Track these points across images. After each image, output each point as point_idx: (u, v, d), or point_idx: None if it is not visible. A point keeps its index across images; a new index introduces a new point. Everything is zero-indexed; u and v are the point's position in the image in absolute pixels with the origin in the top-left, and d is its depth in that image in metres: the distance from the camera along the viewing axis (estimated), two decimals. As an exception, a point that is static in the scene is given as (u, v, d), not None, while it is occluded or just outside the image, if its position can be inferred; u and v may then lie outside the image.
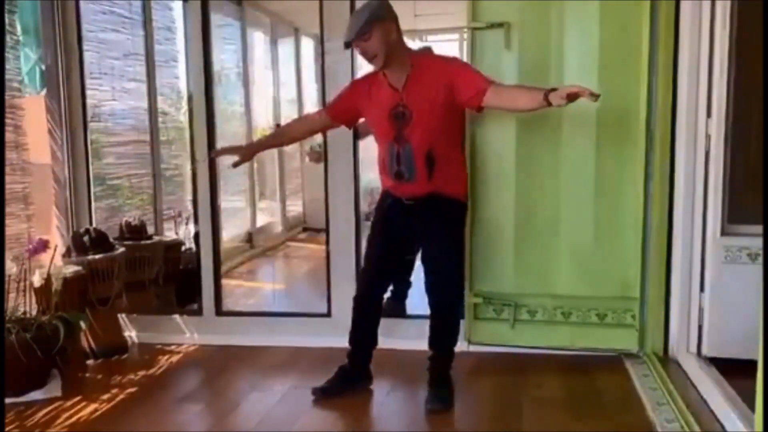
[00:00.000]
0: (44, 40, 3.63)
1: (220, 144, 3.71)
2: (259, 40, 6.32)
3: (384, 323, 3.55)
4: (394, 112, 2.72)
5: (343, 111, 2.92)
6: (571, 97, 2.44)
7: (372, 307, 2.99)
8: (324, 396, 2.91)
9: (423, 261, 2.93)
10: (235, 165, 2.93)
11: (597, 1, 3.12)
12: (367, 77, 2.90)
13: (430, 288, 2.90)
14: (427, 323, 2.97)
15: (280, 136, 3.37)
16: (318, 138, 3.80)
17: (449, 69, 2.72)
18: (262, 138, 3.22)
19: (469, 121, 3.25)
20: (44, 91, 3.67)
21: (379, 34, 2.63)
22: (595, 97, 2.44)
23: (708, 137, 3.01)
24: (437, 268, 2.87)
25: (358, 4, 3.37)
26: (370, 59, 2.70)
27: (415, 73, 2.71)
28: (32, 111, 3.65)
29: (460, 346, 3.38)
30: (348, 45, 2.69)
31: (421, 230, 2.85)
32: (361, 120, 3.01)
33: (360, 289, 3.03)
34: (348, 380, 2.98)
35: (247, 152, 3.03)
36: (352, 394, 2.95)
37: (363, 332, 2.99)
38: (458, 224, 2.89)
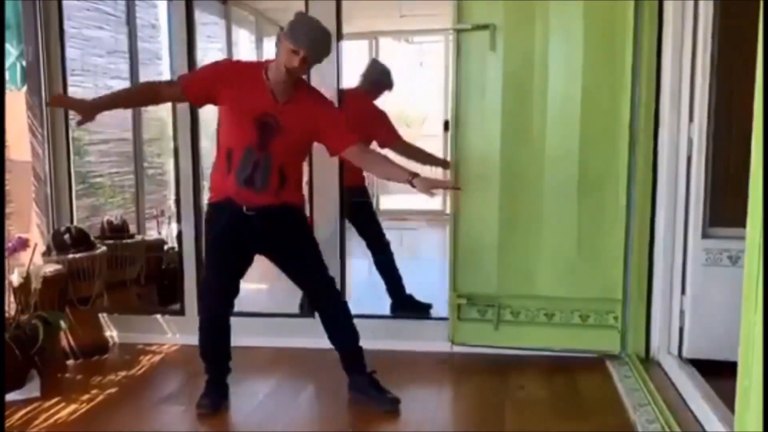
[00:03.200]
0: (25, 35, 3.58)
1: (203, 145, 3.68)
2: (244, 38, 6.29)
3: (367, 324, 3.56)
4: (264, 118, 2.64)
5: (201, 87, 2.72)
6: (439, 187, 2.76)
7: (226, 329, 2.89)
8: (213, 409, 2.82)
9: (293, 273, 2.87)
10: (80, 123, 2.66)
11: (582, 1, 3.14)
12: (244, 67, 2.81)
13: (317, 297, 2.89)
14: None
15: (124, 99, 3.00)
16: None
17: (325, 112, 2.77)
18: (105, 97, 2.85)
19: (453, 124, 3.27)
20: (25, 88, 3.62)
21: (315, 65, 2.71)
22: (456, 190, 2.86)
23: (690, 141, 3.04)
24: (315, 275, 2.84)
25: (345, 6, 3.39)
26: (294, 71, 2.60)
27: (298, 95, 2.70)
28: (12, 107, 3.59)
29: (444, 346, 3.41)
30: (309, 52, 2.57)
31: (275, 243, 2.78)
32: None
33: (209, 311, 2.87)
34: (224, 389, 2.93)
35: (91, 111, 2.63)
36: (334, 395, 2.94)
37: (222, 353, 2.92)
38: (310, 230, 2.93)
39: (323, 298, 2.88)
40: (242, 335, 3.54)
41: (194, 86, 2.74)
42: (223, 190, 2.72)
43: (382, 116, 4.04)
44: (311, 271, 2.84)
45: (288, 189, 2.74)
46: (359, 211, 3.94)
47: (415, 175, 2.64)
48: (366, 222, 4.03)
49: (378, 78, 4.06)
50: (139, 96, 2.99)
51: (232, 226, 2.72)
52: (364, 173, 3.91)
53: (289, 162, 2.73)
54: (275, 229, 2.75)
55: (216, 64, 2.85)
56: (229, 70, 2.77)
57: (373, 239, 4.04)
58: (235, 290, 2.85)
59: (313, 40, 2.59)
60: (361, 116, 3.63)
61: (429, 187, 2.63)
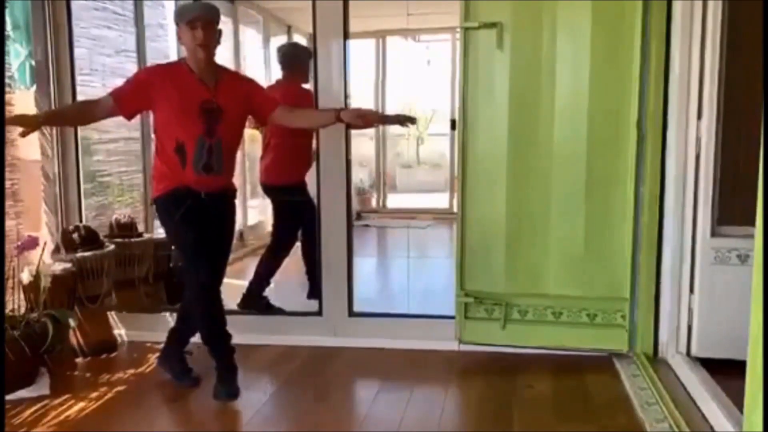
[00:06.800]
0: (35, 35, 3.60)
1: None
2: (251, 38, 6.31)
3: (373, 322, 3.57)
4: (205, 106, 2.78)
5: (133, 99, 2.82)
6: (366, 121, 3.00)
7: (221, 306, 2.93)
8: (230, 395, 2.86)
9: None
10: (24, 135, 2.73)
11: (589, 1, 3.13)
12: (165, 67, 3.00)
13: (216, 278, 2.94)
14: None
15: (66, 118, 3.24)
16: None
17: (249, 83, 3.02)
18: (50, 112, 3.17)
19: (460, 122, 3.27)
20: (34, 87, 3.64)
21: (217, 31, 2.82)
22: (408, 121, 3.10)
23: (698, 139, 3.02)
24: (223, 260, 2.97)
25: (352, 4, 3.40)
26: (202, 44, 2.74)
27: (223, 77, 2.88)
28: (22, 107, 3.61)
29: (451, 345, 3.41)
30: (200, 18, 2.72)
31: (215, 223, 2.89)
32: None
33: (203, 297, 2.89)
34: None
35: (36, 124, 2.80)
36: (340, 394, 2.95)
37: (224, 330, 2.92)
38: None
39: (216, 281, 2.94)
40: (249, 333, 3.57)
41: (126, 99, 2.83)
42: (179, 180, 2.81)
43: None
44: (222, 256, 2.96)
45: (232, 171, 2.93)
46: (303, 211, 3.84)
47: (341, 109, 2.94)
48: (311, 222, 3.73)
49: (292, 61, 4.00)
50: (76, 114, 3.10)
51: (193, 210, 2.81)
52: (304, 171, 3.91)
53: (234, 143, 2.92)
54: (221, 211, 2.91)
55: (138, 74, 2.98)
56: (154, 75, 2.89)
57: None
58: (215, 265, 2.92)
59: (198, 6, 2.79)
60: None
61: (355, 115, 2.89)
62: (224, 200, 2.95)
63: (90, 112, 2.93)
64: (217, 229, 2.90)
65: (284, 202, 3.95)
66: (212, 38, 2.79)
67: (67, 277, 3.31)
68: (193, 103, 2.77)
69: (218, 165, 2.82)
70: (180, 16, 2.78)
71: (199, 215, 2.82)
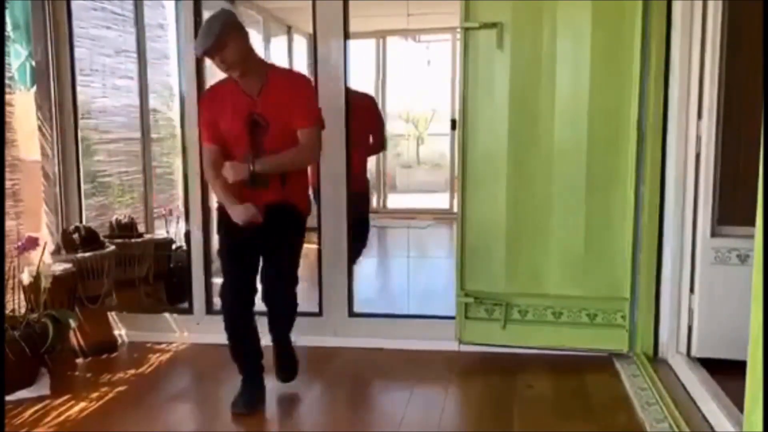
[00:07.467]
0: (35, 36, 3.61)
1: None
2: (251, 38, 6.31)
3: (374, 323, 3.57)
4: (250, 119, 2.68)
5: (216, 132, 2.74)
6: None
7: (249, 327, 2.84)
8: (248, 410, 2.78)
9: (267, 269, 2.84)
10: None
11: (589, 1, 3.13)
12: (216, 88, 2.85)
13: (278, 295, 2.88)
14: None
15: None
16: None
17: (293, 89, 2.75)
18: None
19: (460, 122, 3.27)
20: (34, 88, 3.64)
21: (236, 43, 2.63)
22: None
23: (699, 139, 3.02)
24: (282, 278, 2.86)
25: (352, 5, 3.40)
26: (227, 69, 2.65)
27: (270, 83, 2.71)
28: (22, 107, 3.62)
29: (452, 345, 3.41)
30: (205, 54, 2.62)
31: (269, 239, 2.78)
32: None
33: (229, 312, 2.82)
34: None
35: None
36: (341, 394, 2.95)
37: (249, 352, 2.86)
38: (302, 236, 2.90)
39: (280, 300, 2.90)
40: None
41: (215, 140, 2.74)
42: (230, 193, 2.74)
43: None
44: (279, 276, 2.86)
45: (291, 187, 2.77)
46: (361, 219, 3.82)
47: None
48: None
49: None
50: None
51: (240, 226, 2.72)
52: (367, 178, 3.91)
53: None
54: (276, 226, 2.75)
55: (200, 116, 2.85)
56: (210, 102, 2.81)
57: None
58: (253, 288, 2.84)
59: (199, 41, 2.61)
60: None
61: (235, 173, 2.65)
62: (281, 214, 2.75)
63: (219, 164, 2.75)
64: (271, 242, 2.78)
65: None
66: (235, 54, 2.62)
67: (68, 278, 3.31)
68: (240, 116, 2.66)
69: (264, 180, 2.68)
70: (198, 51, 2.66)
71: (246, 231, 2.71)
